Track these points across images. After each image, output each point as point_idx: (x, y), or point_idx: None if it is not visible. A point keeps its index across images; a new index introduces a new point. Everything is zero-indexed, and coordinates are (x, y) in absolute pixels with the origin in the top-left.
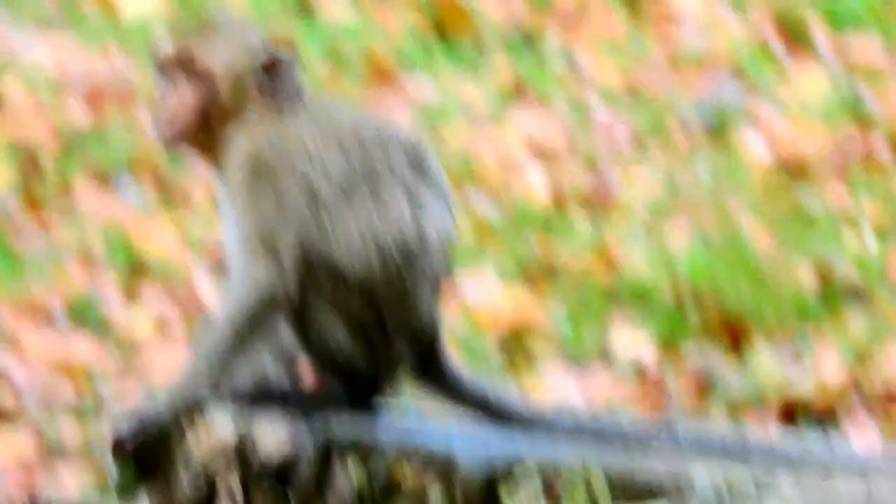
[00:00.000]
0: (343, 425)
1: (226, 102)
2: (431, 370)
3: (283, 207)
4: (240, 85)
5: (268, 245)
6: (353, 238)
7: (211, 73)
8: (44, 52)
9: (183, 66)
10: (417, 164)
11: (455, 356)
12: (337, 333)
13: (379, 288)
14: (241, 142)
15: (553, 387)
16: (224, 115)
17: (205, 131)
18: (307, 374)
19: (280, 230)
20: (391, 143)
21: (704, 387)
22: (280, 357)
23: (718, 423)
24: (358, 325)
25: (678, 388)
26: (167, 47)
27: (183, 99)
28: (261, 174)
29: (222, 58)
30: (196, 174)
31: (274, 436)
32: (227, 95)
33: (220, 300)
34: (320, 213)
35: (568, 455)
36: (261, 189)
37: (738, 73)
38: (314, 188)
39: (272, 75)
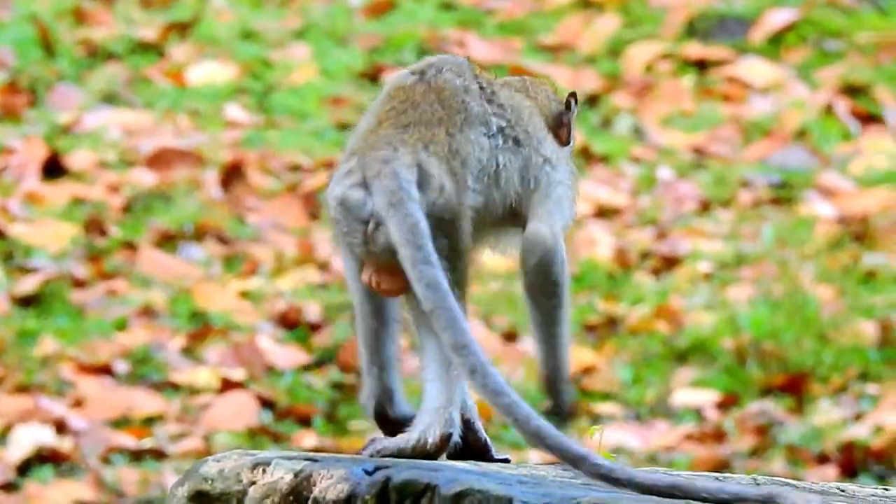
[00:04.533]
0: (400, 466)
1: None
2: None
3: None
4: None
5: None
6: None
7: None
8: (111, 118)
9: None
10: None
11: None
12: None
13: None
14: None
15: (616, 439)
16: None
17: None
18: None
19: None
20: None
21: (765, 439)
22: None
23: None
24: None
25: (738, 437)
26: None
27: None
28: None
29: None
30: (258, 236)
31: (331, 475)
32: None
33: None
34: None
35: (626, 500)
36: None
37: (805, 138)
38: None
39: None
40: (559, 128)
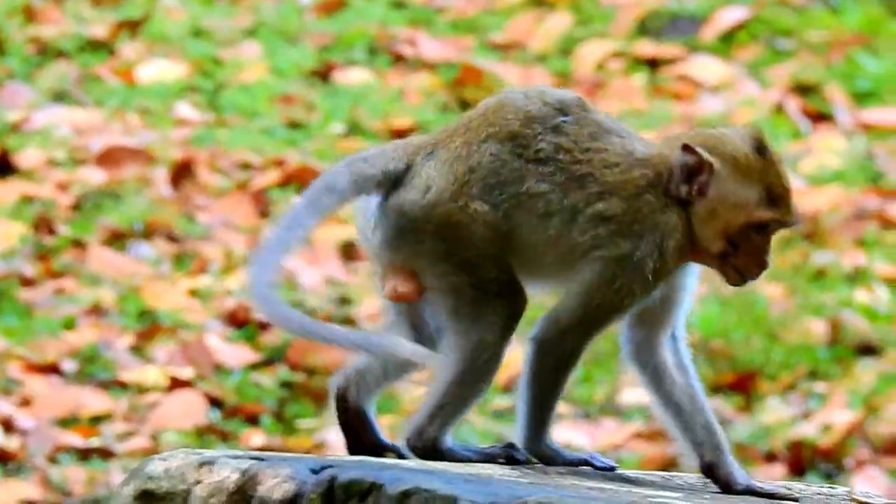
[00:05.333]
0: (346, 465)
1: None
2: None
3: None
4: None
5: None
6: None
7: None
8: (60, 116)
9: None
10: None
11: None
12: None
13: None
14: None
15: (564, 437)
16: None
17: None
18: None
19: None
20: None
21: None
22: None
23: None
24: None
25: None
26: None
27: None
28: None
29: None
30: (208, 234)
31: (277, 474)
32: None
33: None
34: None
35: (571, 499)
36: None
37: None
38: None
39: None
40: (680, 182)
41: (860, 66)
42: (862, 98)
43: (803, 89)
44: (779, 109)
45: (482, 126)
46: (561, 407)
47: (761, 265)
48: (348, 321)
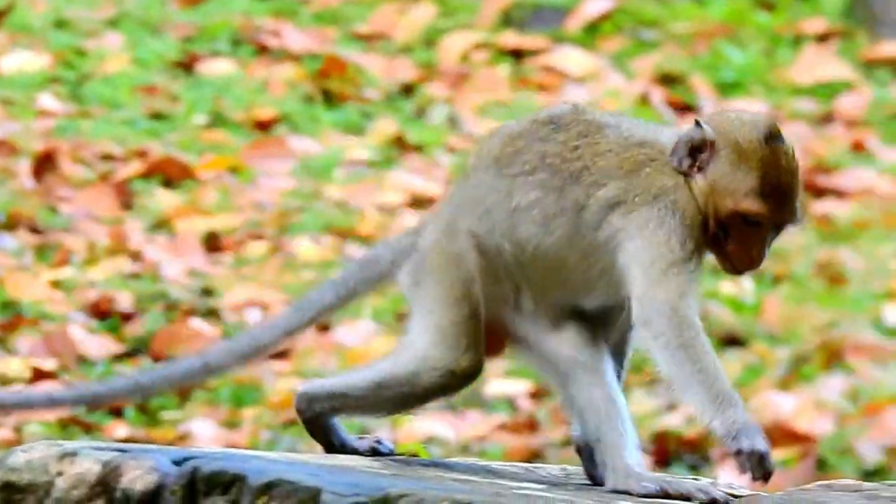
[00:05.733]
0: (208, 456)
1: None
2: None
3: None
4: None
5: None
6: None
7: None
8: None
9: None
10: None
11: None
12: None
13: None
14: None
15: (429, 429)
16: None
17: None
18: None
19: None
20: None
21: None
22: None
23: None
24: None
25: (550, 428)
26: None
27: None
28: None
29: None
30: (70, 225)
31: (139, 466)
32: None
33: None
34: None
35: (434, 490)
36: None
37: None
38: None
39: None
40: (683, 155)
41: (725, 57)
42: (726, 89)
43: (668, 80)
44: (644, 100)
45: (470, 164)
46: None
47: (749, 260)
48: (212, 313)
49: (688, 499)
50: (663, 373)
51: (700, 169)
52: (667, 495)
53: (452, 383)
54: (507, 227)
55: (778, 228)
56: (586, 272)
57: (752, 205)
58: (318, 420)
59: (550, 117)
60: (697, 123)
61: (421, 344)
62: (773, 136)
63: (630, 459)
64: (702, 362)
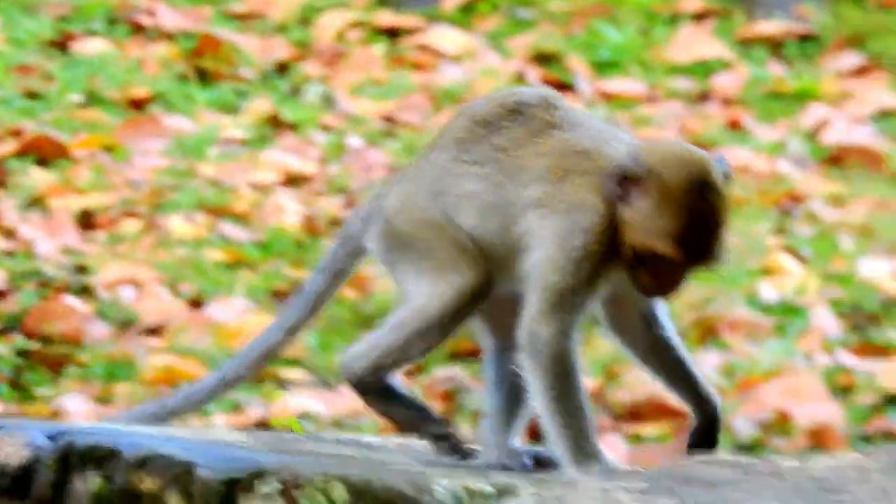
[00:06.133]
0: (83, 431)
1: None
2: None
3: None
4: None
5: None
6: None
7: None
8: None
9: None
10: None
11: None
12: None
13: None
14: None
15: (302, 404)
16: None
17: None
18: None
19: None
20: None
21: (451, 404)
22: None
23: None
24: None
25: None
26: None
27: None
28: None
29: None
30: None
31: (14, 441)
32: None
33: None
34: None
35: (309, 465)
36: None
37: None
38: None
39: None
40: (611, 181)
41: (601, 36)
42: (603, 68)
43: (544, 59)
44: (519, 79)
45: (436, 138)
46: (299, 374)
47: (662, 292)
48: (85, 290)
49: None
50: (534, 405)
51: (624, 199)
52: (539, 469)
53: (467, 303)
54: (454, 212)
55: (695, 267)
56: (511, 265)
57: (666, 248)
58: (368, 382)
59: (518, 105)
60: (634, 155)
61: (423, 289)
62: (708, 185)
63: (506, 436)
64: (572, 416)
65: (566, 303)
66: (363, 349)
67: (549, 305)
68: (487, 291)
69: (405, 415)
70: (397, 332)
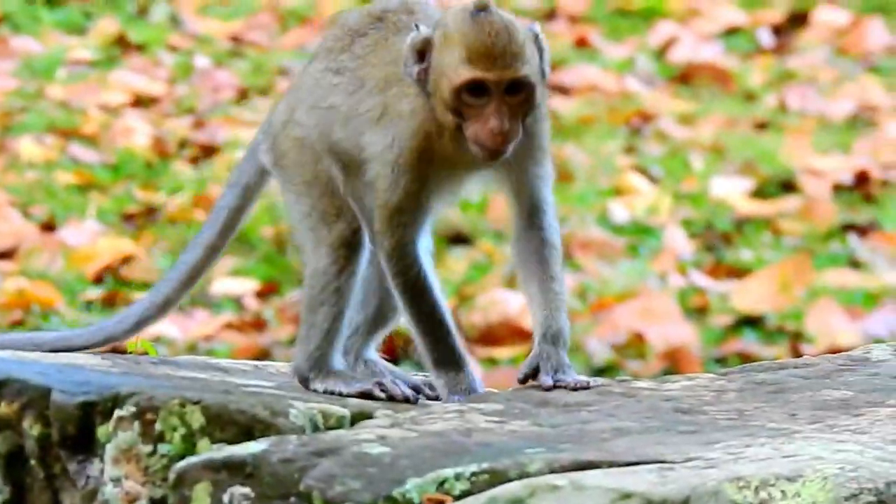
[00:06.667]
0: None
1: None
2: None
3: None
4: None
5: None
6: None
7: None
8: None
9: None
10: None
11: None
12: None
13: None
14: None
15: (155, 328)
16: None
17: None
18: None
19: None
20: None
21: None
22: None
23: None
24: None
25: (278, 326)
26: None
27: None
28: None
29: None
30: None
31: None
32: None
33: None
34: None
35: (164, 388)
36: None
37: None
38: None
39: None
40: (412, 63)
41: None
42: None
43: None
44: None
45: (315, 49)
46: None
47: (490, 131)
48: None
49: (392, 398)
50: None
51: (427, 71)
52: (372, 396)
53: (342, 257)
54: (326, 124)
55: (510, 92)
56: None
57: (462, 73)
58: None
59: (381, 13)
60: (416, 26)
61: (303, 238)
62: (481, 7)
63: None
64: (431, 321)
65: (399, 216)
66: (299, 350)
67: (384, 221)
68: (360, 237)
69: (357, 388)
70: (310, 316)
